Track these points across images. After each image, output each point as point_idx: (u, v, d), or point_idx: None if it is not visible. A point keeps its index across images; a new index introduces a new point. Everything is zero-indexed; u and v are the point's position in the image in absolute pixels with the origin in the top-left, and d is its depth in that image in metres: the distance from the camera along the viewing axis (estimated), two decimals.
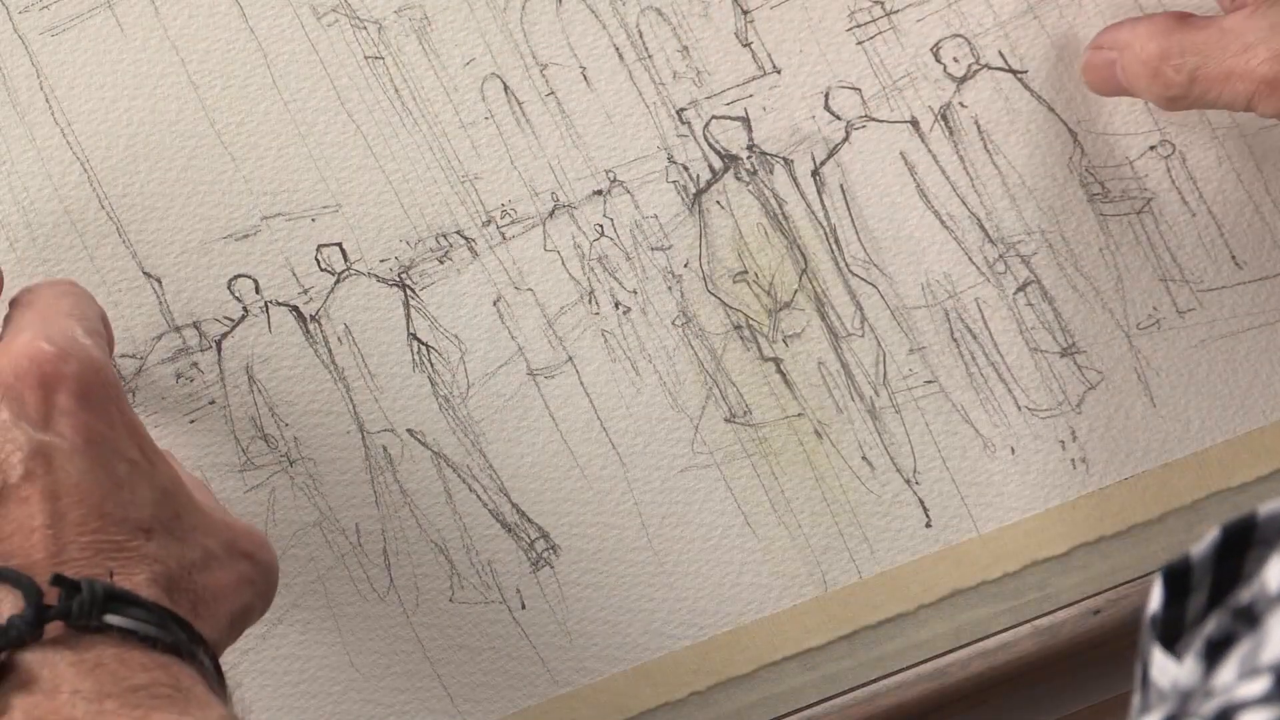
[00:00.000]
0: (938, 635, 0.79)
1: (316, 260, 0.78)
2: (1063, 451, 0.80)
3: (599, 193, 0.80)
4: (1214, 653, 0.47)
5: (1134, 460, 0.80)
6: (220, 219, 0.78)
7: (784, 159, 0.81)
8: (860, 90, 0.81)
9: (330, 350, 0.78)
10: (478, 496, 0.78)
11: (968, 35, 0.82)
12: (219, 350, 0.77)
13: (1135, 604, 0.79)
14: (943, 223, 0.81)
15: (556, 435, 0.78)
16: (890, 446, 0.79)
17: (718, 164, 0.80)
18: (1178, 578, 0.52)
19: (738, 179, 0.80)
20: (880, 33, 0.81)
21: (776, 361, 0.79)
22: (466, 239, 0.79)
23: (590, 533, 0.78)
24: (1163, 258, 0.81)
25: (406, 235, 0.79)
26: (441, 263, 0.79)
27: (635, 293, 0.79)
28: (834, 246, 0.80)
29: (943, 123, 0.81)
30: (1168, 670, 0.50)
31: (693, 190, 0.80)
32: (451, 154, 0.79)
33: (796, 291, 0.80)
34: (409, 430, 0.78)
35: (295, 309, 0.78)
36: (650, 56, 0.80)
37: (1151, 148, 0.82)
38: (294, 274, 0.78)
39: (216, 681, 0.61)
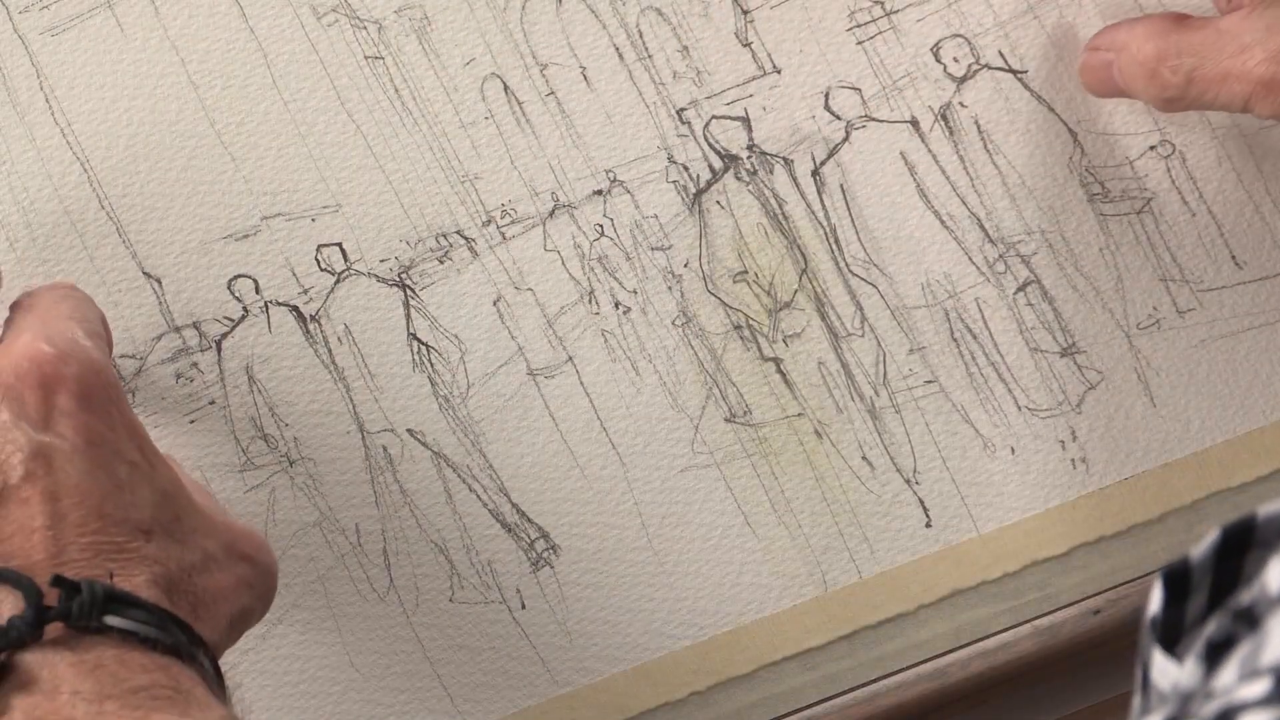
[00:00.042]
0: (938, 635, 0.79)
1: (316, 260, 0.78)
2: (1063, 451, 0.80)
3: (599, 193, 0.80)
4: (1214, 654, 0.47)
5: (1134, 460, 0.80)
6: (220, 219, 0.78)
7: (784, 159, 0.80)
8: (860, 90, 0.81)
9: (330, 350, 0.78)
10: (478, 496, 0.78)
11: (968, 35, 0.82)
12: (219, 350, 0.77)
13: (1135, 604, 0.79)
14: (943, 223, 0.81)
15: (556, 435, 0.78)
16: (890, 446, 0.79)
17: (718, 164, 0.80)
18: (1177, 580, 0.52)
19: (738, 179, 0.80)
20: (880, 33, 0.81)
21: (776, 361, 0.79)
22: (466, 239, 0.79)
23: (590, 533, 0.78)
24: (1163, 258, 0.81)
25: (406, 235, 0.79)
26: (441, 263, 0.79)
27: (635, 293, 0.79)
28: (834, 246, 0.80)
29: (943, 123, 0.81)
30: (1168, 672, 0.50)
31: (693, 190, 0.80)
32: (451, 154, 0.79)
33: (796, 291, 0.80)
34: (409, 430, 0.78)
35: (295, 309, 0.78)
36: (650, 56, 0.80)
37: (1151, 148, 0.82)
38: (294, 274, 0.78)
39: (216, 683, 0.61)
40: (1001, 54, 0.82)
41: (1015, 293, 0.80)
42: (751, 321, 0.79)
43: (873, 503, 0.79)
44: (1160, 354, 0.81)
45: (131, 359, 0.77)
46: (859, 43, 0.81)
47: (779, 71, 0.81)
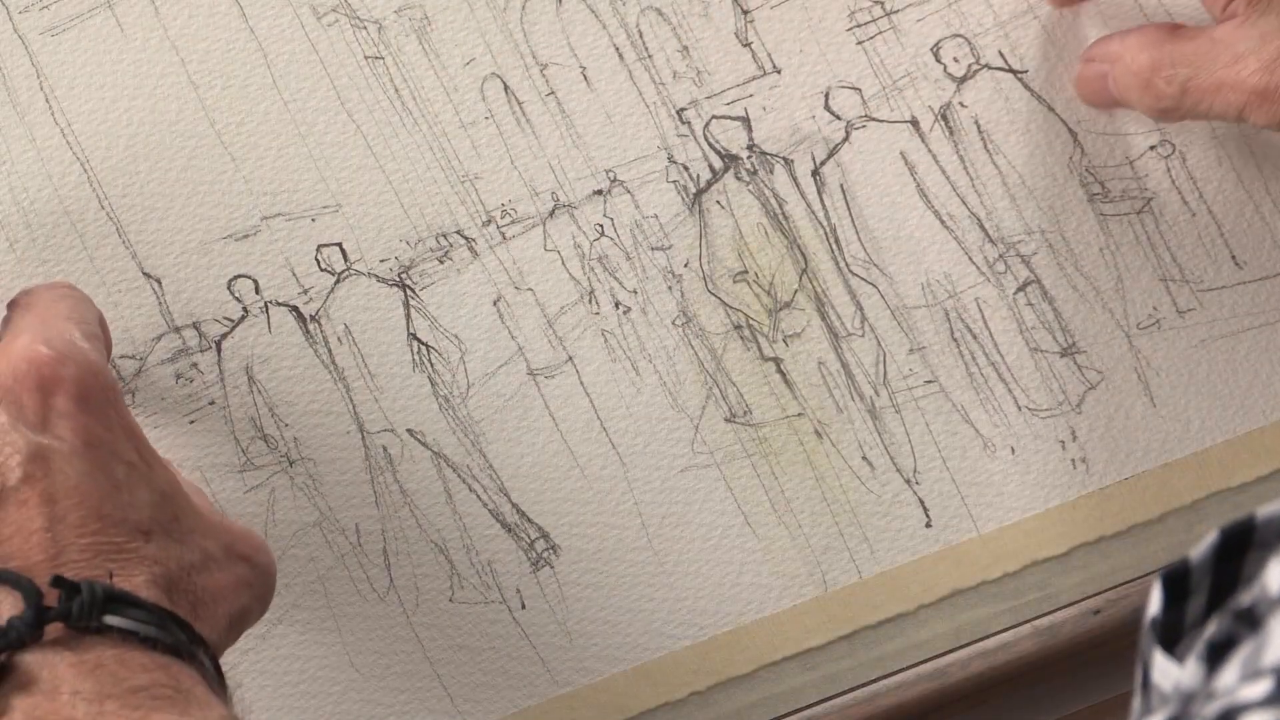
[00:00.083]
0: (938, 635, 0.79)
1: (316, 260, 0.78)
2: (1063, 451, 0.80)
3: (599, 193, 0.80)
4: (1215, 655, 0.47)
5: (1134, 460, 0.80)
6: (220, 219, 0.78)
7: (784, 159, 0.80)
8: (860, 90, 0.81)
9: (330, 350, 0.78)
10: (478, 496, 0.78)
11: (968, 35, 0.82)
12: (219, 351, 0.77)
13: (1135, 604, 0.79)
14: (943, 223, 0.81)
15: (556, 435, 0.78)
16: (890, 446, 0.79)
17: (718, 164, 0.80)
18: (1177, 581, 0.52)
19: (738, 179, 0.80)
20: (880, 33, 0.81)
21: (776, 361, 0.79)
22: (466, 239, 0.79)
23: (590, 533, 0.78)
24: (1163, 258, 0.81)
25: (406, 235, 0.79)
26: (441, 263, 0.79)
27: (635, 293, 0.79)
28: (834, 246, 0.80)
29: (943, 123, 0.81)
30: (1169, 673, 0.50)
31: (693, 190, 0.80)
32: (451, 154, 0.79)
33: (796, 291, 0.80)
34: (409, 430, 0.78)
35: (295, 309, 0.78)
36: (650, 56, 0.80)
37: (1151, 148, 0.82)
38: (294, 274, 0.78)
39: (217, 682, 0.61)
40: (1001, 54, 0.82)
41: (1015, 293, 0.80)
42: (751, 321, 0.79)
43: (873, 503, 0.79)
44: (1160, 354, 0.81)
45: (131, 359, 0.77)
46: (859, 43, 0.81)
47: (779, 71, 0.81)
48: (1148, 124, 0.81)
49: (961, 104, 0.81)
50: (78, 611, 0.57)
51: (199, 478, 0.76)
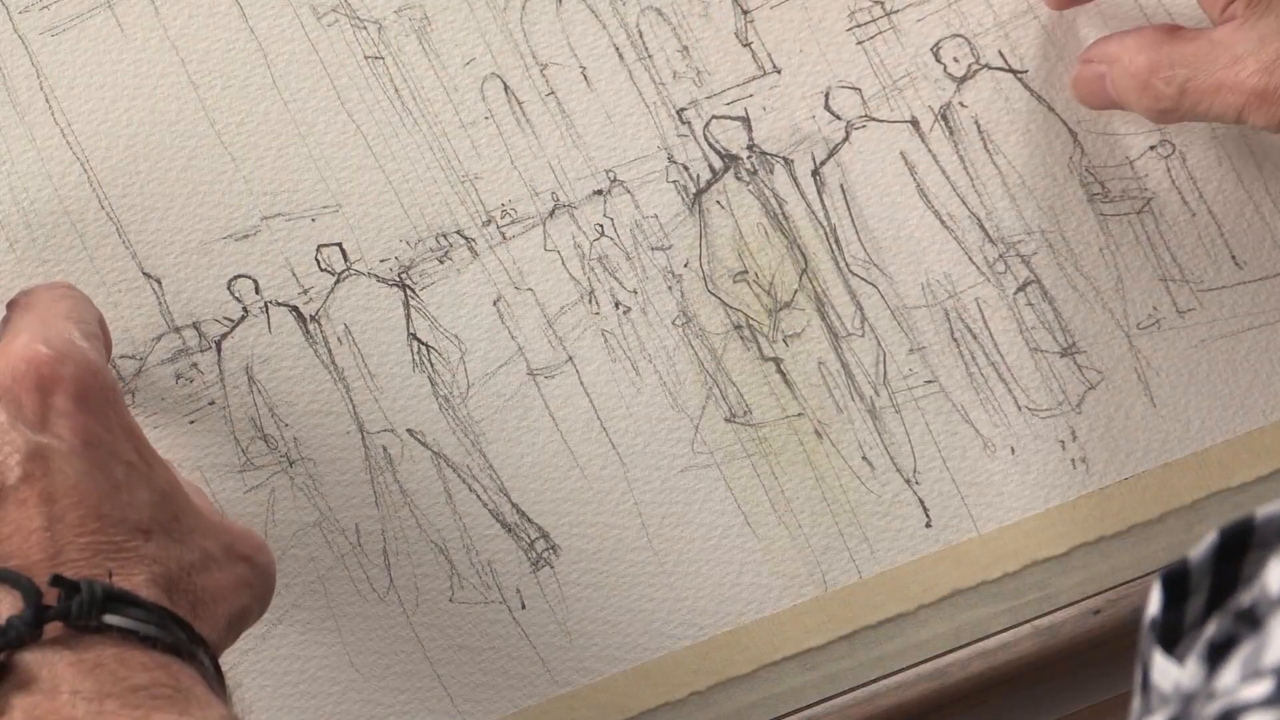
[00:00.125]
0: (938, 635, 0.79)
1: (316, 260, 0.78)
2: (1063, 451, 0.80)
3: (599, 193, 0.80)
4: (1216, 655, 0.47)
5: (1134, 460, 0.80)
6: (220, 219, 0.78)
7: (784, 159, 0.80)
8: (860, 90, 0.81)
9: (330, 350, 0.78)
10: (478, 496, 0.78)
11: (968, 35, 0.82)
12: (219, 351, 0.77)
13: (1135, 604, 0.79)
14: (943, 223, 0.81)
15: (556, 435, 0.78)
16: (890, 446, 0.79)
17: (718, 164, 0.80)
18: (1176, 581, 0.52)
19: (738, 179, 0.80)
20: (880, 33, 0.81)
21: (776, 361, 0.79)
22: (466, 239, 0.79)
23: (590, 533, 0.78)
24: (1163, 258, 0.81)
25: (406, 235, 0.79)
26: (441, 263, 0.79)
27: (635, 293, 0.79)
28: (834, 246, 0.80)
29: (943, 123, 0.81)
30: (1169, 673, 0.50)
31: (693, 190, 0.80)
32: (451, 154, 0.79)
33: (796, 291, 0.80)
34: (409, 430, 0.78)
35: (295, 309, 0.78)
36: (650, 56, 0.80)
37: (1151, 148, 0.82)
38: (294, 274, 0.78)
39: (216, 682, 0.61)
40: (1001, 54, 0.82)
41: (1015, 293, 0.80)
42: (751, 321, 0.79)
43: (873, 503, 0.79)
44: (1160, 354, 0.81)
45: (131, 359, 0.77)
46: (859, 43, 0.81)
47: (779, 71, 0.81)
48: (1147, 124, 0.81)
49: (961, 104, 0.81)
50: (77, 610, 0.57)
51: (199, 478, 0.76)
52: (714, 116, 0.80)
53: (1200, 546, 0.52)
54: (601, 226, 0.79)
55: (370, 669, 0.77)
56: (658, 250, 0.80)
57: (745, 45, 0.81)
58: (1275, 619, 0.45)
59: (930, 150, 0.81)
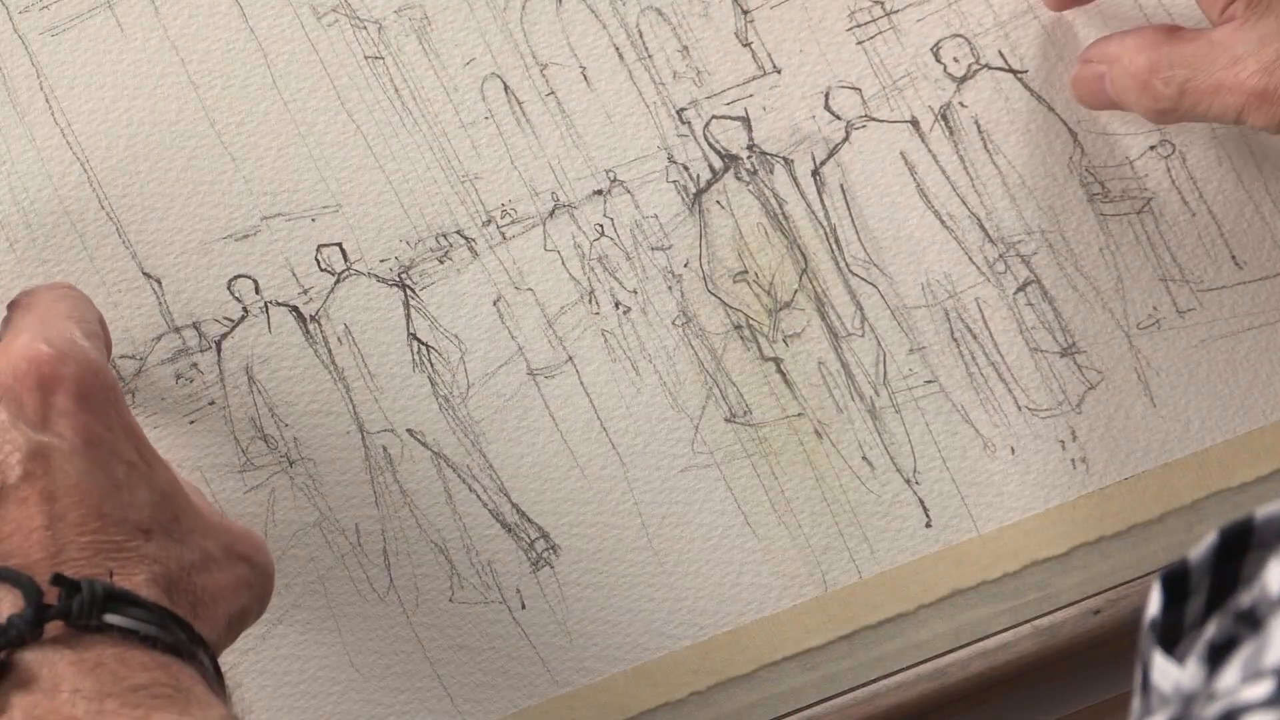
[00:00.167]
0: (938, 635, 0.79)
1: (316, 260, 0.78)
2: (1063, 451, 0.80)
3: (599, 193, 0.80)
4: (1216, 656, 0.47)
5: (1134, 460, 0.80)
6: (220, 219, 0.78)
7: (784, 159, 0.80)
8: (860, 90, 0.81)
9: (330, 350, 0.78)
10: (478, 496, 0.78)
11: (968, 35, 0.82)
12: (219, 351, 0.77)
13: (1135, 604, 0.79)
14: (943, 223, 0.81)
15: (556, 435, 0.78)
16: (890, 446, 0.79)
17: (718, 164, 0.80)
18: (1176, 581, 0.52)
19: (738, 179, 0.80)
20: (880, 33, 0.81)
21: (776, 361, 0.79)
22: (466, 239, 0.79)
23: (590, 533, 0.78)
24: (1163, 258, 0.81)
25: (406, 235, 0.79)
26: (441, 263, 0.79)
27: (635, 293, 0.79)
28: (834, 246, 0.80)
29: (943, 123, 0.81)
30: (1169, 673, 0.50)
31: (693, 190, 0.80)
32: (451, 154, 0.79)
33: (796, 291, 0.80)
34: (409, 430, 0.78)
35: (295, 309, 0.78)
36: (650, 56, 0.80)
37: (1151, 148, 0.82)
38: (294, 274, 0.78)
39: (216, 681, 0.61)
40: (1001, 54, 0.82)
41: (1015, 293, 0.80)
42: (751, 321, 0.79)
43: (873, 503, 0.79)
44: (1160, 354, 0.81)
45: (131, 359, 0.77)
46: (859, 43, 0.81)
47: (779, 71, 0.81)
48: (1147, 124, 0.81)
49: (961, 104, 0.81)
50: (78, 610, 0.57)
51: (199, 478, 0.76)
52: (714, 116, 0.80)
53: (1200, 547, 0.52)
54: (601, 226, 0.79)
55: (370, 669, 0.77)
56: (658, 250, 0.80)
57: (745, 45, 0.81)
58: (1275, 619, 0.45)
59: (930, 150, 0.81)
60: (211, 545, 0.64)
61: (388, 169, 0.79)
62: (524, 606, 0.77)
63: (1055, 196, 0.81)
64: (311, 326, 0.78)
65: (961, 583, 0.79)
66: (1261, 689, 0.43)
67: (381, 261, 0.78)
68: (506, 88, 0.80)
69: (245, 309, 0.78)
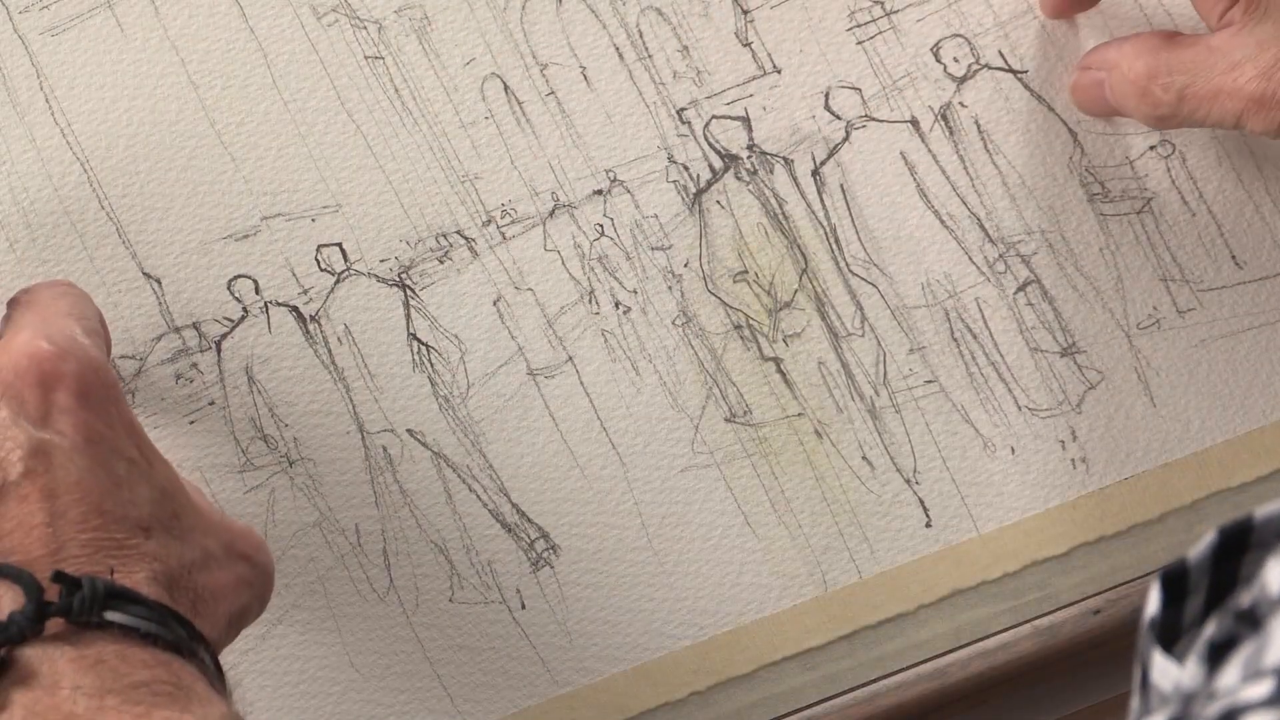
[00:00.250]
0: (938, 635, 0.79)
1: (316, 260, 0.78)
2: (1063, 451, 0.80)
3: (599, 192, 0.80)
4: (1216, 655, 0.47)
5: (1134, 460, 0.80)
6: (220, 219, 0.78)
7: (784, 159, 0.81)
8: (860, 90, 0.81)
9: (330, 350, 0.78)
10: (478, 496, 0.78)
11: (968, 35, 0.82)
12: (219, 351, 0.77)
13: (1135, 604, 0.78)
14: (943, 223, 0.81)
15: (556, 435, 0.78)
16: (890, 446, 0.79)
17: (718, 164, 0.80)
18: (1175, 581, 0.52)
19: (738, 179, 0.80)
20: (880, 33, 0.81)
21: (776, 361, 0.79)
22: (466, 239, 0.79)
23: (590, 533, 0.78)
24: (1163, 258, 0.81)
25: (406, 235, 0.79)
26: (441, 263, 0.79)
27: (635, 292, 0.79)
28: (834, 246, 0.80)
29: (943, 123, 0.81)
30: (1169, 673, 0.50)
31: (693, 190, 0.80)
32: (451, 154, 0.79)
33: (796, 291, 0.80)
34: (409, 430, 0.78)
35: (295, 309, 0.78)
36: (650, 56, 0.80)
37: (1151, 148, 0.82)
38: (294, 274, 0.78)
39: (217, 679, 0.61)
40: (1001, 54, 0.82)
41: (1015, 293, 0.80)
42: (751, 321, 0.79)
43: (873, 503, 0.79)
44: (1160, 354, 0.81)
45: (131, 359, 0.77)
46: (859, 43, 0.81)
47: (779, 71, 0.81)
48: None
49: (961, 104, 0.81)
50: (79, 607, 0.57)
51: (199, 478, 0.76)
52: (714, 116, 0.80)
53: (1199, 546, 0.52)
54: (601, 226, 0.79)
55: (370, 669, 0.77)
56: (658, 250, 0.80)
57: (745, 45, 0.81)
58: (1275, 619, 0.45)
59: (930, 150, 0.81)
60: (212, 543, 0.64)
61: (388, 169, 0.79)
62: (524, 606, 0.77)
63: (1055, 196, 0.81)
64: (311, 326, 0.78)
65: (961, 583, 0.79)
66: (1262, 688, 0.43)
67: (381, 261, 0.78)
68: (506, 88, 0.80)
69: (245, 309, 0.78)
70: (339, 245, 0.78)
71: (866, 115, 0.81)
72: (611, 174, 0.80)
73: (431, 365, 0.78)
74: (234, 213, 0.78)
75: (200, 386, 0.77)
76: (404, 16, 0.80)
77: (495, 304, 0.79)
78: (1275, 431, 0.81)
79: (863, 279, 0.80)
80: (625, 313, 0.79)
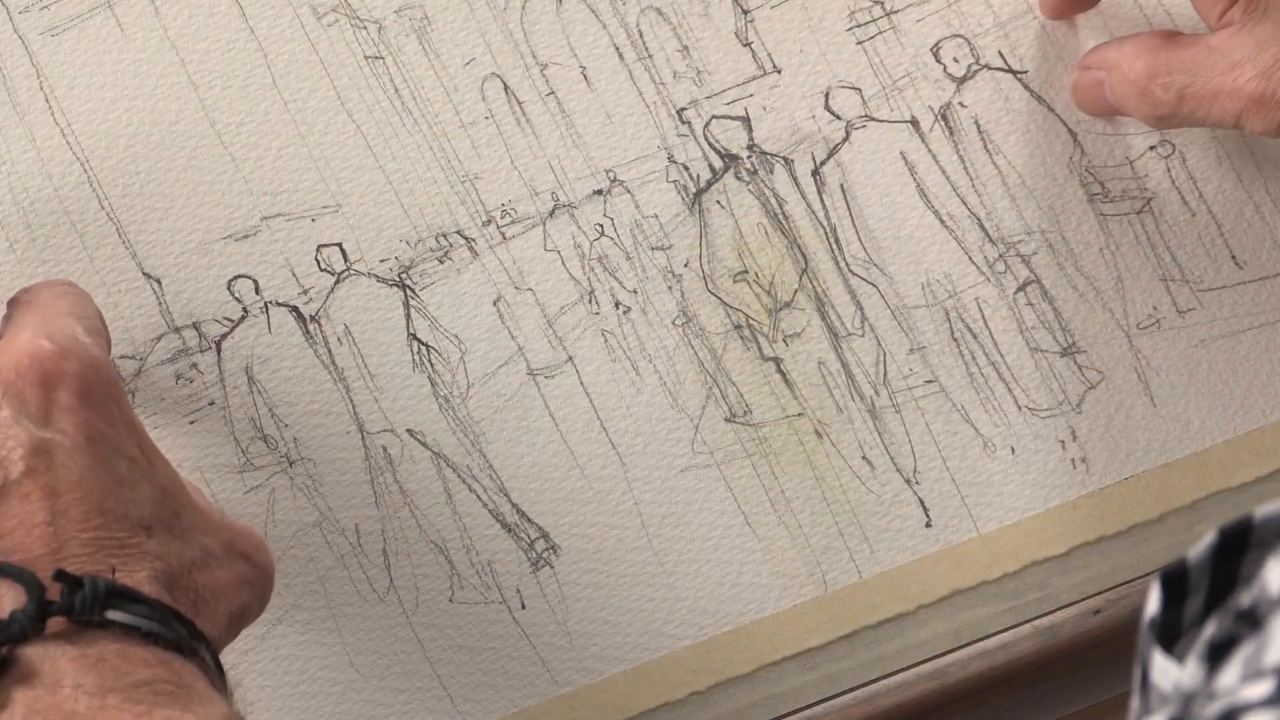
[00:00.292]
0: (938, 635, 0.79)
1: (316, 260, 0.78)
2: (1063, 451, 0.80)
3: (599, 192, 0.80)
4: (1216, 655, 0.47)
5: (1134, 460, 0.80)
6: (220, 219, 0.78)
7: (784, 159, 0.81)
8: (860, 90, 0.81)
9: (330, 350, 0.78)
10: (478, 496, 0.78)
11: (968, 35, 0.82)
12: (219, 351, 0.77)
13: (1135, 604, 0.78)
14: (943, 223, 0.81)
15: (556, 435, 0.78)
16: (890, 446, 0.79)
17: (718, 164, 0.80)
18: (1175, 581, 0.52)
19: (738, 179, 0.80)
20: (880, 33, 0.81)
21: (776, 361, 0.79)
22: (466, 239, 0.79)
23: (590, 533, 0.78)
24: (1163, 258, 0.81)
25: (406, 235, 0.79)
26: (441, 263, 0.79)
27: (635, 292, 0.79)
28: (834, 246, 0.80)
29: (943, 123, 0.81)
30: (1169, 673, 0.50)
31: (693, 190, 0.80)
32: (451, 154, 0.79)
33: (796, 291, 0.80)
34: (409, 430, 0.78)
35: (295, 309, 0.78)
36: (650, 56, 0.80)
37: (1151, 148, 0.82)
38: (294, 274, 0.78)
39: (218, 678, 0.61)
40: (1001, 54, 0.82)
41: (1015, 292, 0.80)
42: (751, 321, 0.80)
43: (873, 503, 0.79)
44: (1160, 354, 0.81)
45: (131, 360, 0.77)
46: (859, 43, 0.81)
47: (779, 71, 0.81)
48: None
49: (961, 104, 0.81)
50: (80, 606, 0.57)
51: (199, 478, 0.76)
52: (714, 116, 0.80)
53: (1199, 546, 0.52)
54: (601, 226, 0.79)
55: (370, 669, 0.77)
56: (658, 250, 0.80)
57: (745, 45, 0.81)
58: (1276, 619, 0.45)
59: (930, 150, 0.81)
60: (212, 542, 0.64)
61: (388, 169, 0.79)
62: (524, 606, 0.77)
63: (1055, 196, 0.81)
64: (311, 327, 0.78)
65: (961, 583, 0.79)
66: (1262, 688, 0.43)
67: (381, 261, 0.78)
68: (506, 88, 0.80)
69: (245, 309, 0.78)
70: (339, 245, 0.78)
71: (866, 115, 0.81)
72: (611, 174, 0.80)
73: (431, 365, 0.78)
74: (234, 213, 0.78)
75: (200, 386, 0.77)
76: (404, 16, 0.80)
77: (495, 304, 0.79)
78: (1275, 431, 0.81)
79: (863, 279, 0.80)
80: (625, 313, 0.79)
